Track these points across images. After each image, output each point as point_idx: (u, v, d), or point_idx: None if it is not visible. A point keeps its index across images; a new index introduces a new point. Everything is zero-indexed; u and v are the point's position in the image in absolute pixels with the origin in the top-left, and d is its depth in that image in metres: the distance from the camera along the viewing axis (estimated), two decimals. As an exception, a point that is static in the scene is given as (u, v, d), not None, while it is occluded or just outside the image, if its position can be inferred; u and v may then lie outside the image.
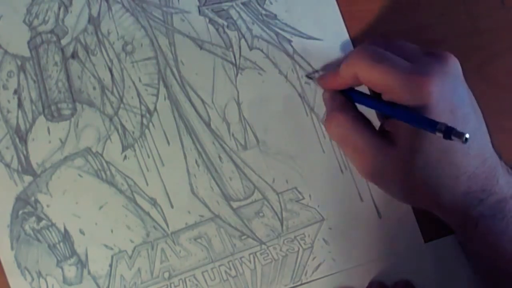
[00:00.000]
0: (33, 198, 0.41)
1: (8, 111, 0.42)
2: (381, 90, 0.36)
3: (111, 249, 0.41)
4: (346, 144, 0.38)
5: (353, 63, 0.36)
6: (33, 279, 0.41)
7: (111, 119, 0.42)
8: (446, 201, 0.36)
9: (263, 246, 0.42)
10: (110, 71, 0.42)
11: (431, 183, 0.35)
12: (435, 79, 0.34)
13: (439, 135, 0.32)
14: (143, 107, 0.42)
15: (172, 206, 0.41)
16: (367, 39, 0.41)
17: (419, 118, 0.33)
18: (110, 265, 0.41)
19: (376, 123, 0.39)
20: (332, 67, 0.41)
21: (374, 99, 0.37)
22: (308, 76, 0.41)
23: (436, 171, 0.35)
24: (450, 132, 0.31)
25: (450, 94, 0.34)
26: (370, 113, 0.39)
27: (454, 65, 0.36)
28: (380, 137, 0.37)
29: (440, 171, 0.35)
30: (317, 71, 0.41)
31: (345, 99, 0.39)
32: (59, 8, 0.42)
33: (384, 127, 0.38)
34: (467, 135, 0.31)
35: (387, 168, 0.36)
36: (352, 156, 0.38)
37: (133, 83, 0.42)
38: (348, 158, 0.39)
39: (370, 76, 0.35)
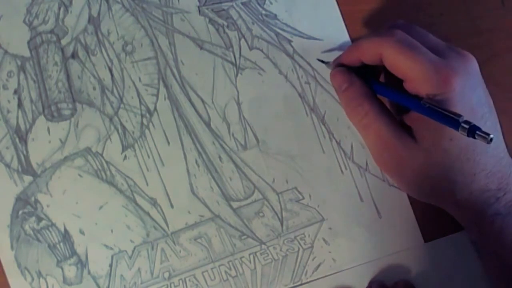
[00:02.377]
0: (33, 198, 0.41)
1: (8, 111, 0.42)
2: (405, 77, 0.36)
3: (111, 249, 0.41)
4: (369, 132, 0.38)
5: (381, 42, 0.36)
6: (33, 279, 0.41)
7: (111, 119, 0.42)
8: (462, 198, 0.36)
9: (263, 246, 0.42)
10: (110, 71, 0.42)
11: (449, 179, 0.36)
12: (460, 76, 0.34)
13: (462, 132, 0.32)
14: (143, 107, 0.42)
15: (172, 206, 0.41)
16: (390, 23, 0.39)
17: (443, 115, 0.33)
18: (110, 265, 0.41)
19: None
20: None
21: (396, 90, 0.37)
22: (321, 60, 0.41)
23: (454, 167, 0.35)
24: (474, 131, 0.31)
25: (471, 92, 0.35)
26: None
27: (474, 65, 0.36)
28: (402, 129, 0.37)
29: (458, 168, 0.35)
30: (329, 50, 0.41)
31: (366, 85, 0.38)
32: (59, 8, 0.42)
33: (403, 121, 0.38)
34: (491, 136, 0.31)
35: (406, 161, 0.36)
36: (373, 144, 0.38)
37: (133, 83, 0.42)
38: (368, 146, 0.39)
39: (397, 60, 0.35)
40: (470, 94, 0.35)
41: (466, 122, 0.32)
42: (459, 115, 0.33)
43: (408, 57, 0.35)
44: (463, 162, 0.35)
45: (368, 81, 0.38)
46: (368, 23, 0.42)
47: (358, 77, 0.38)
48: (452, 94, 0.34)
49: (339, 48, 0.42)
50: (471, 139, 0.33)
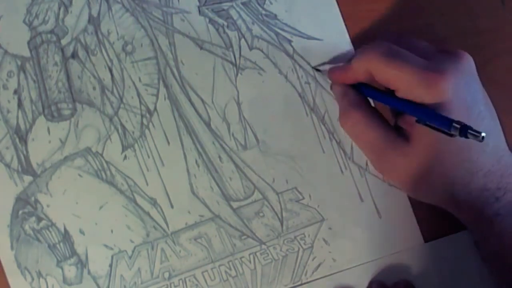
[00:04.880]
0: (33, 198, 0.41)
1: (8, 111, 0.42)
2: (395, 87, 0.36)
3: (111, 249, 0.41)
4: (361, 141, 0.38)
5: (367, 59, 0.36)
6: (33, 279, 0.41)
7: (111, 119, 0.42)
8: (461, 198, 0.36)
9: (263, 246, 0.42)
10: (110, 71, 0.42)
11: (447, 179, 0.36)
12: (450, 77, 0.34)
13: (455, 133, 0.32)
14: (143, 107, 0.42)
15: (172, 206, 0.41)
16: (379, 34, 0.40)
17: (434, 116, 0.33)
18: (110, 265, 0.41)
19: (389, 118, 0.39)
20: (338, 61, 0.41)
21: (387, 95, 0.37)
22: (316, 68, 0.41)
23: (452, 168, 0.35)
24: (466, 130, 0.31)
25: (465, 92, 0.35)
26: (383, 109, 0.39)
27: (468, 63, 0.36)
28: (395, 134, 0.37)
29: (456, 168, 0.35)
30: (325, 62, 0.41)
31: (359, 95, 0.39)
32: (59, 8, 0.42)
33: (398, 124, 0.38)
34: (483, 134, 0.31)
35: (403, 165, 0.36)
36: (368, 153, 0.39)
37: (133, 83, 0.42)
38: (365, 154, 0.39)
39: (384, 73, 0.35)
40: (464, 94, 0.34)
41: (458, 122, 0.32)
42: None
43: (394, 67, 0.35)
44: (461, 163, 0.35)
45: (363, 89, 0.39)
46: (368, 23, 0.42)
47: (351, 87, 0.39)
48: (445, 95, 0.34)
49: (339, 53, 0.42)
50: (467, 139, 0.32)
